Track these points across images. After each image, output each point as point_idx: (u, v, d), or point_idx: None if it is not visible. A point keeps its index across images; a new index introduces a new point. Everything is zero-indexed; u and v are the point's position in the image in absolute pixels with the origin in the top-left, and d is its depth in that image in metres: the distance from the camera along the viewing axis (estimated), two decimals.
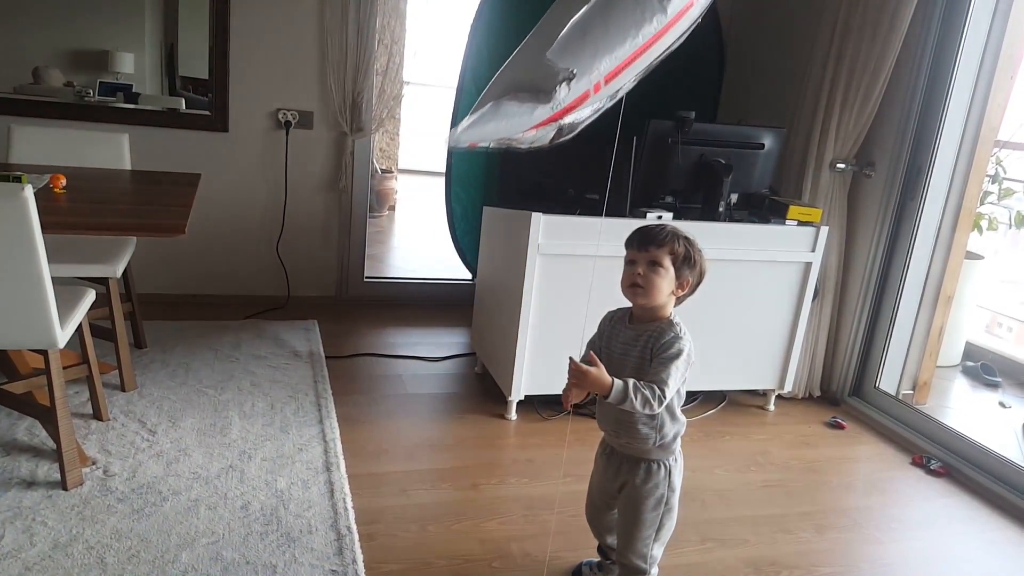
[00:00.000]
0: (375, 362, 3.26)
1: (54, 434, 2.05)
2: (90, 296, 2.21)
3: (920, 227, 3.02)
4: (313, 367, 3.05)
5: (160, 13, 3.53)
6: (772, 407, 3.16)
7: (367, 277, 4.05)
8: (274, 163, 3.68)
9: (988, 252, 4.07)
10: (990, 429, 3.26)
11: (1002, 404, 3.54)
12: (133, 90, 3.49)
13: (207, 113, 3.55)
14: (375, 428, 2.66)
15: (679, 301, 1.66)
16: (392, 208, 6.60)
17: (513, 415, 2.83)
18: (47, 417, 2.07)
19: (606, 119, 1.73)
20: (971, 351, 4.00)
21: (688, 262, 1.62)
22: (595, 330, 1.80)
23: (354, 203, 3.85)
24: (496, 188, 3.65)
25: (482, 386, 3.11)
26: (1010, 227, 3.99)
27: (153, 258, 3.51)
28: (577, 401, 1.55)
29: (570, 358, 1.55)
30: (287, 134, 3.65)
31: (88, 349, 2.34)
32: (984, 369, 3.82)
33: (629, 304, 1.69)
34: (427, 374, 3.21)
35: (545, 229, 2.61)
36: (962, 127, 2.96)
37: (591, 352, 1.65)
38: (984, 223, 3.93)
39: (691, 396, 3.11)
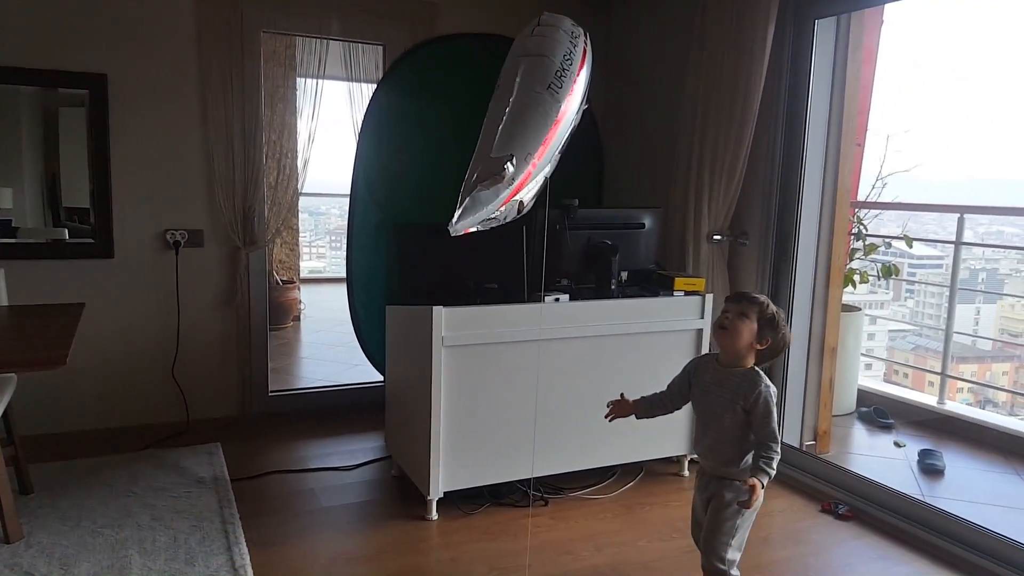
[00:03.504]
0: (285, 479, 3.14)
1: None
2: None
3: (796, 286, 3.24)
4: (218, 492, 2.90)
5: (39, 146, 3.47)
6: (687, 472, 3.23)
7: (272, 391, 3.94)
8: (164, 285, 3.59)
9: (876, 305, 4.39)
10: (889, 468, 3.43)
11: (897, 443, 3.74)
12: (12, 224, 3.38)
13: (91, 241, 3.46)
14: (289, 549, 2.54)
15: (759, 358, 2.00)
16: (297, 319, 6.49)
17: (434, 515, 2.77)
18: None
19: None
20: (864, 397, 4.24)
21: (771, 324, 1.96)
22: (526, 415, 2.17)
23: (252, 317, 3.79)
24: (397, 288, 3.68)
25: (400, 489, 3.05)
26: (878, 279, 4.32)
27: (39, 395, 3.31)
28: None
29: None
30: (177, 254, 3.59)
31: None
32: (877, 413, 4.05)
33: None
34: (341, 484, 3.11)
35: (448, 321, 2.66)
36: (820, 193, 3.25)
37: (624, 397, 2.17)
38: (856, 277, 4.25)
39: (609, 471, 3.14)
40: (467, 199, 1.94)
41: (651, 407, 2.20)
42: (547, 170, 2.17)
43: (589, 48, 2.33)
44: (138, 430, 3.55)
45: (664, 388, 2.19)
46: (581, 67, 2.23)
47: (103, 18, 3.35)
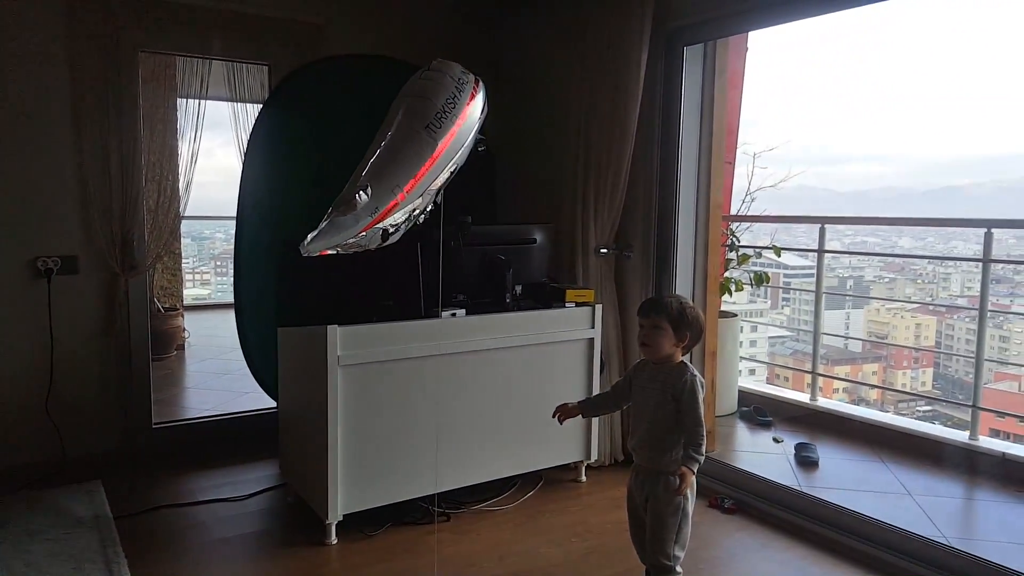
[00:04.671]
0: (174, 513, 3.01)
1: None
2: None
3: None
4: (100, 532, 2.75)
5: None
6: (584, 478, 3.33)
7: (156, 423, 3.76)
8: (36, 315, 3.38)
9: (756, 313, 4.66)
10: (770, 463, 3.64)
11: (776, 439, 3.99)
12: None
13: None
14: None
15: (686, 350, 2.17)
16: (181, 347, 6.21)
17: (334, 539, 2.73)
18: None
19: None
20: (744, 398, 4.49)
21: (683, 321, 2.11)
22: None
23: (133, 347, 3.61)
24: (289, 311, 3.61)
25: (297, 516, 2.98)
26: (752, 287, 4.61)
27: None
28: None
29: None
30: (49, 282, 3.39)
31: None
32: (757, 411, 4.30)
33: None
34: (235, 515, 3.01)
35: (343, 340, 2.64)
36: (694, 207, 3.46)
37: (569, 404, 2.34)
38: (732, 286, 4.52)
39: (509, 483, 3.19)
40: (325, 223, 2.03)
41: (596, 407, 2.50)
42: (427, 202, 2.33)
43: (481, 93, 2.52)
44: (9, 471, 3.30)
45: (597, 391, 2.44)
46: (465, 111, 2.41)
47: None
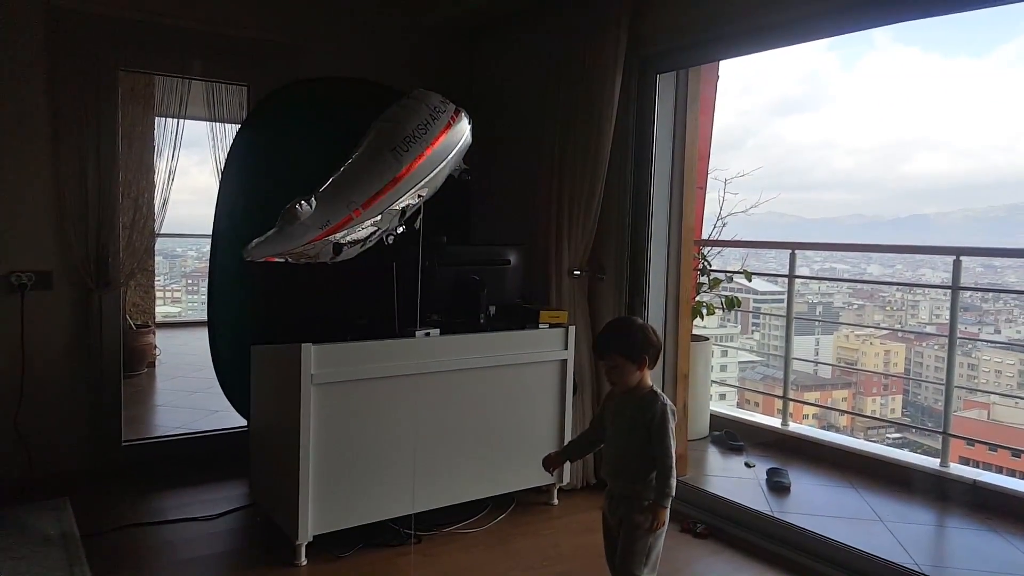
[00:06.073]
0: (142, 532, 2.97)
1: None
2: None
3: (649, 317, 3.46)
4: (68, 550, 2.71)
5: None
6: (556, 500, 3.34)
7: (125, 441, 3.72)
8: (7, 331, 3.34)
9: (727, 338, 4.71)
10: (741, 487, 3.67)
11: (747, 464, 4.02)
12: None
13: None
14: None
15: (651, 365, 2.16)
16: (152, 365, 6.15)
17: (303, 560, 2.71)
18: None
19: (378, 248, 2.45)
20: (715, 422, 4.53)
21: (638, 346, 2.11)
22: None
23: (105, 363, 3.58)
24: (262, 329, 3.60)
25: (267, 536, 2.95)
26: (723, 310, 4.67)
27: None
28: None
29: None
30: (22, 297, 3.36)
31: None
32: (728, 436, 4.33)
33: None
34: (203, 535, 2.98)
35: (317, 359, 2.65)
36: (667, 231, 3.52)
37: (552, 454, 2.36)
38: (704, 309, 4.58)
39: (481, 505, 3.19)
40: (272, 230, 2.15)
41: (581, 448, 2.41)
42: (393, 224, 2.44)
43: (462, 124, 2.62)
44: None
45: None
46: (440, 138, 2.51)
47: None
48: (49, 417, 3.46)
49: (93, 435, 3.57)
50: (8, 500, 3.17)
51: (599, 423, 2.27)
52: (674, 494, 2.06)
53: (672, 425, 2.09)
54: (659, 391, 2.16)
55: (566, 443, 2.42)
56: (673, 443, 2.09)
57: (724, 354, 6.15)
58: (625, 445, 2.14)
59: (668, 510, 2.07)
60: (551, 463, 2.34)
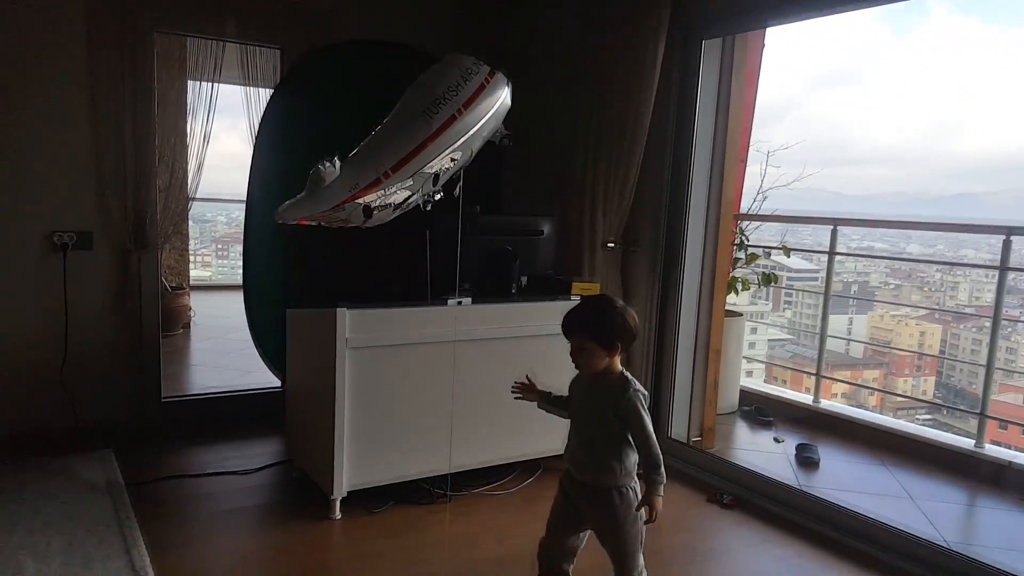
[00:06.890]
0: (183, 483, 3.07)
1: None
2: None
3: (684, 292, 3.45)
4: (113, 497, 2.81)
5: None
6: None
7: (165, 397, 3.83)
8: (51, 289, 3.44)
9: (757, 315, 4.64)
10: (769, 461, 3.67)
11: (776, 439, 4.01)
12: None
13: None
14: (189, 550, 2.50)
15: (624, 353, 1.99)
16: (187, 326, 6.28)
17: (337, 514, 2.78)
18: None
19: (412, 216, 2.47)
20: (745, 397, 4.52)
21: (611, 329, 1.94)
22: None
23: (144, 322, 3.67)
24: (296, 292, 3.66)
25: (302, 491, 3.02)
26: (759, 286, 4.63)
27: None
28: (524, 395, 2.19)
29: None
30: (65, 257, 3.44)
31: None
32: (758, 411, 4.33)
33: None
34: (241, 488, 3.07)
35: (352, 323, 2.69)
36: (705, 205, 3.47)
37: (531, 381, 2.20)
38: (739, 285, 4.54)
39: (508, 469, 3.24)
40: (302, 194, 2.17)
41: (550, 405, 2.20)
42: (427, 188, 2.42)
43: (499, 87, 2.56)
44: (25, 437, 3.38)
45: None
46: (473, 100, 2.45)
47: None
48: (92, 372, 3.57)
49: (134, 391, 3.68)
50: (55, 450, 3.29)
51: (565, 404, 2.13)
52: (665, 480, 1.90)
53: (646, 411, 1.93)
54: (629, 375, 1.98)
55: (549, 392, 2.18)
56: (651, 428, 1.94)
57: (754, 331, 6.09)
58: (593, 435, 1.99)
59: (660, 499, 1.90)
60: (526, 389, 2.19)
